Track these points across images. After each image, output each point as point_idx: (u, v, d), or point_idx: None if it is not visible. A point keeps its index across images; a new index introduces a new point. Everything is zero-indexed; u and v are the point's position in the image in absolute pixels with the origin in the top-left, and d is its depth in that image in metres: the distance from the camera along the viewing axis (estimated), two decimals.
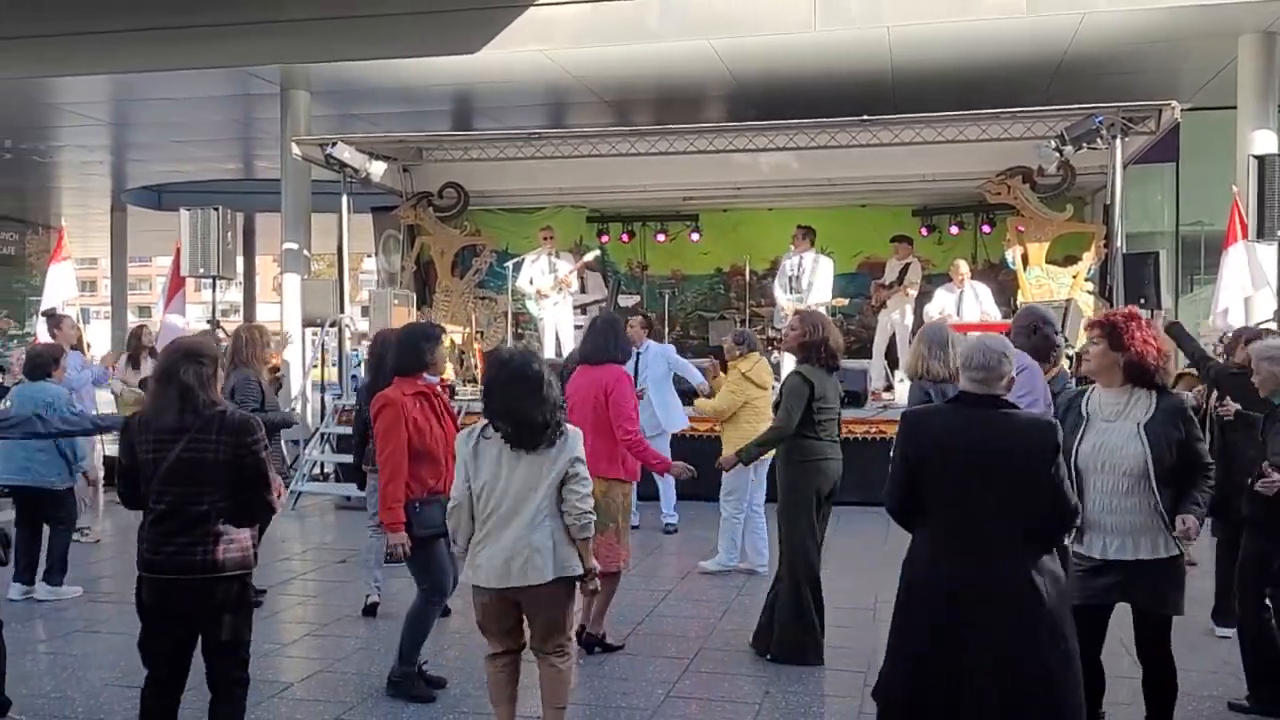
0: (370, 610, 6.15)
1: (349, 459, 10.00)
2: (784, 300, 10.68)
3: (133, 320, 22.73)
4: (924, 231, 13.16)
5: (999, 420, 3.33)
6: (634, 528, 6.89)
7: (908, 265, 11.55)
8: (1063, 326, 9.79)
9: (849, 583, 6.55)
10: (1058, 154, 9.94)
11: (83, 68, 11.60)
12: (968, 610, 3.22)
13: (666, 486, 8.49)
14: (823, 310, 10.49)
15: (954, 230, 13.12)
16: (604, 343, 5.49)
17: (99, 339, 20.44)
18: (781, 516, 5.42)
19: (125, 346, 10.84)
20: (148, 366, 10.34)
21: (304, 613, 6.49)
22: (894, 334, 11.40)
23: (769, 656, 5.34)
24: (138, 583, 3.67)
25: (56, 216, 22.31)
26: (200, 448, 3.57)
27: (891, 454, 3.57)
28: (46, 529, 6.61)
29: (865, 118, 10.22)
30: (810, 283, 10.56)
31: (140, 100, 13.11)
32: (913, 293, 11.31)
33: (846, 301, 11.59)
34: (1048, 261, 11.26)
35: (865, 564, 7.20)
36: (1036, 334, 5.09)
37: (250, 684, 3.78)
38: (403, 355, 4.90)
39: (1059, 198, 11.32)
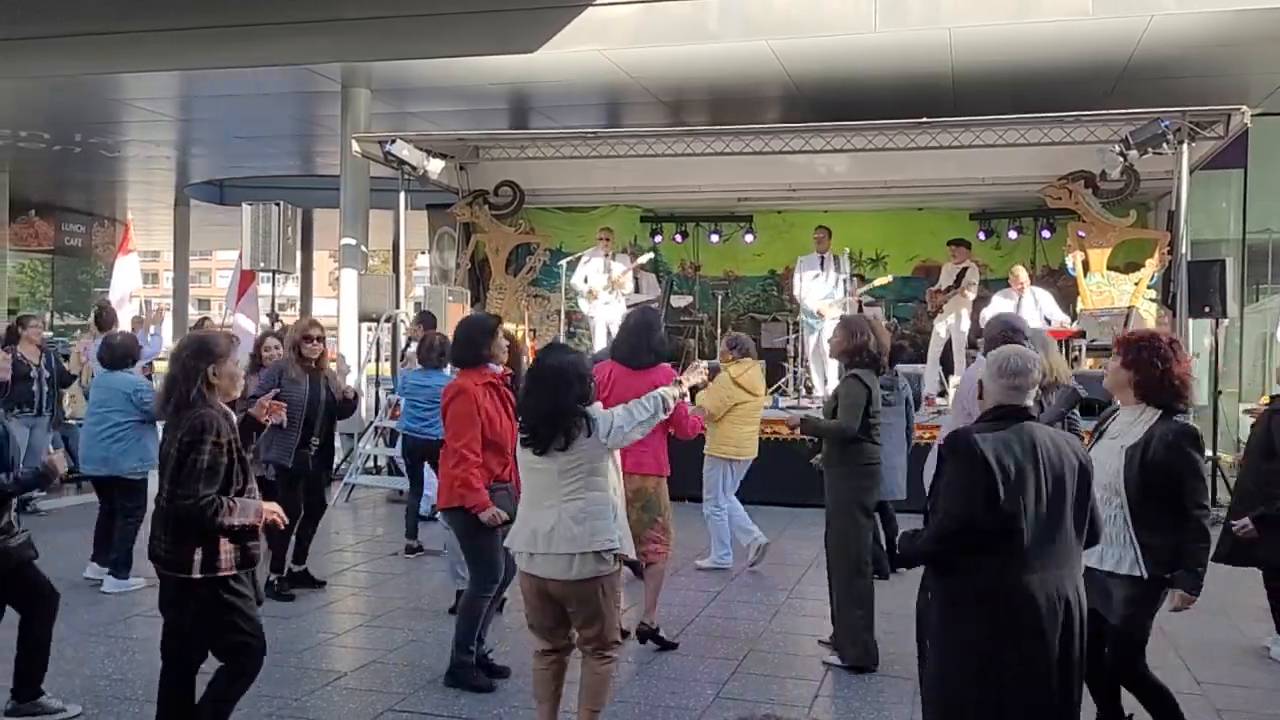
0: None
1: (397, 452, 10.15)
2: (815, 301, 10.79)
3: (193, 313, 23.18)
4: (982, 236, 12.99)
5: (1043, 432, 3.24)
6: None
7: (965, 269, 11.40)
8: None
9: (889, 587, 6.49)
10: (1122, 158, 9.75)
11: (150, 64, 11.86)
12: (1057, 626, 3.15)
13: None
14: (855, 297, 10.66)
15: (1013, 235, 12.94)
16: (640, 342, 5.41)
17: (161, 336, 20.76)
18: (837, 521, 5.36)
19: None
20: None
21: (356, 604, 6.57)
22: (949, 339, 11.28)
23: (841, 662, 5.29)
24: None
25: (122, 210, 22.85)
26: (169, 443, 3.64)
27: (935, 483, 3.42)
28: None
29: (924, 120, 10.12)
30: (834, 280, 10.76)
31: (204, 97, 13.37)
32: (970, 295, 11.16)
33: (889, 279, 11.58)
34: (1109, 268, 11.05)
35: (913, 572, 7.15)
36: (1007, 343, 5.06)
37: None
38: (461, 349, 4.96)
39: (1122, 203, 11.11)
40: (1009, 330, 5.10)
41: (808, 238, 12.94)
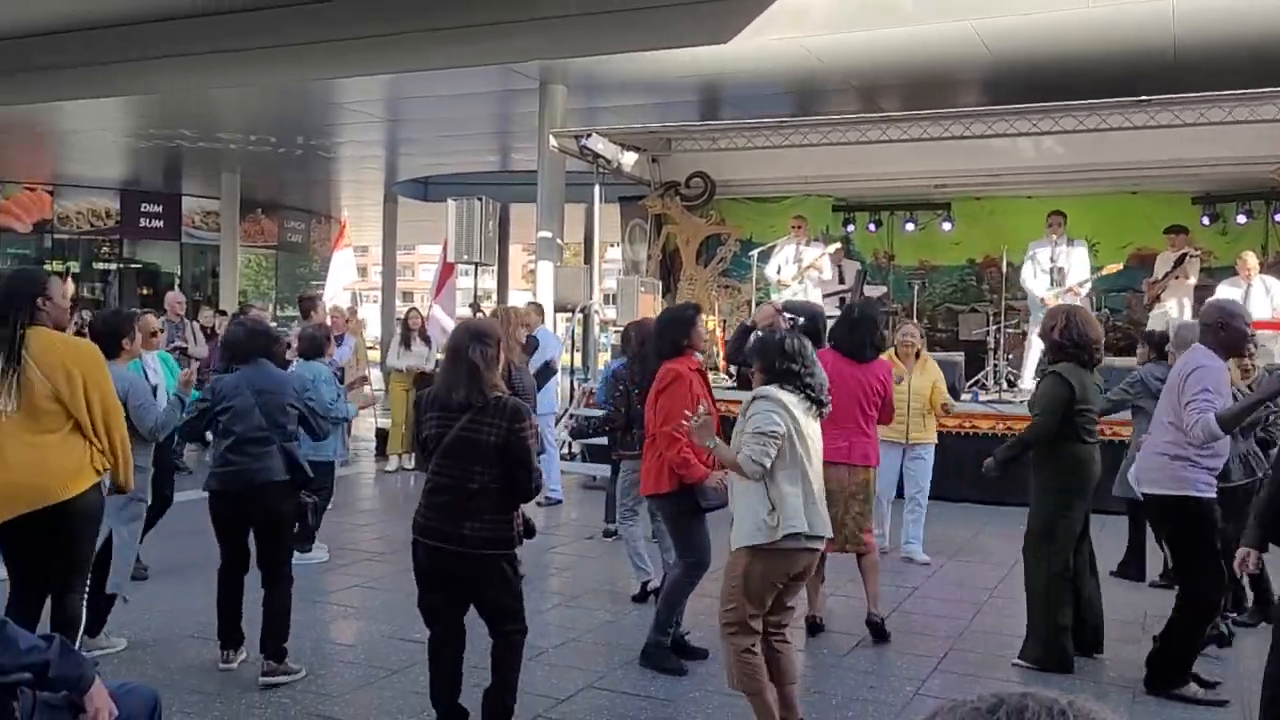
0: (645, 595, 6.10)
1: (598, 441, 10.40)
2: (1042, 291, 10.21)
3: (400, 305, 24.43)
4: (1205, 220, 12.07)
5: None
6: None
7: (1183, 255, 10.66)
8: None
9: (1118, 594, 6.17)
10: None
11: (363, 69, 12.58)
12: None
13: (551, 463, 9.30)
14: (1085, 294, 10.09)
15: (1241, 219, 11.95)
16: (866, 336, 5.59)
17: (369, 322, 22.09)
18: (1035, 521, 5.16)
19: (399, 329, 11.68)
20: (418, 347, 11.13)
21: (555, 584, 6.78)
22: (1167, 331, 10.54)
23: (1022, 661, 5.14)
24: (414, 545, 3.92)
25: (336, 207, 24.38)
26: (477, 428, 3.72)
27: None
28: None
29: (1142, 98, 9.50)
30: (1067, 269, 10.16)
31: (412, 98, 14.07)
32: (1191, 281, 10.42)
33: (1120, 266, 10.88)
34: None
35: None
36: (1225, 330, 4.68)
37: (528, 633, 4.01)
38: (665, 338, 5.01)
39: None
40: (1225, 315, 4.76)
41: (1010, 224, 12.43)
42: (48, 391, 3.83)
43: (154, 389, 5.61)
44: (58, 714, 2.42)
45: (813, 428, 3.95)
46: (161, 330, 6.61)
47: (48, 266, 19.90)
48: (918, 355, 7.38)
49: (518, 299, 26.57)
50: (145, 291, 22.52)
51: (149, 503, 5.18)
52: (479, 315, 10.74)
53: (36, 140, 17.39)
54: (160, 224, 22.66)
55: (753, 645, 3.93)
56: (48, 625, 3.94)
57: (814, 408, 3.94)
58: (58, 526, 3.88)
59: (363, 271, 45.90)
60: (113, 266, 22.96)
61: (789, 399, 3.88)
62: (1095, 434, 5.15)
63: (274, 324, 14.02)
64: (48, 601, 4.05)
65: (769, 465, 3.80)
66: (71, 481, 3.88)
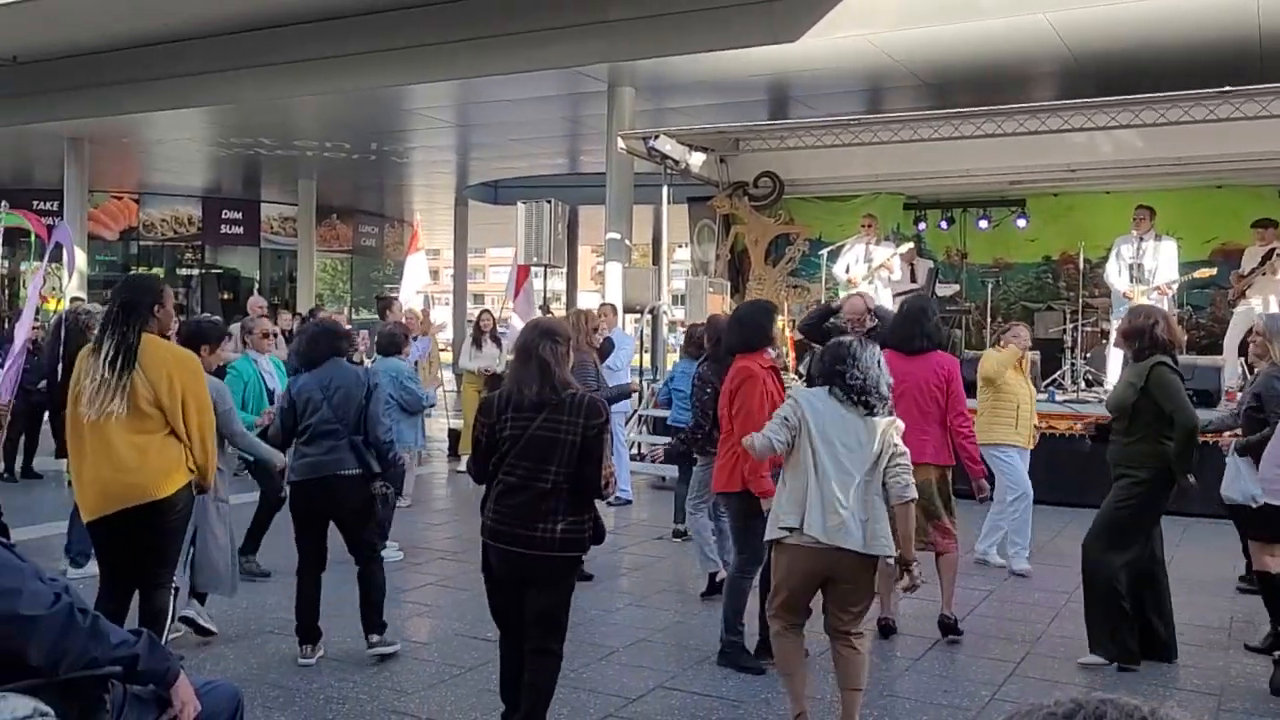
0: (713, 589, 6.07)
1: (665, 440, 10.41)
2: (1125, 287, 9.95)
3: (471, 307, 24.75)
4: None
5: None
6: None
7: (1271, 250, 10.30)
8: None
9: (1201, 600, 6.01)
10: None
11: (434, 75, 12.77)
12: None
13: (621, 464, 9.13)
14: (1173, 293, 9.80)
15: None
16: (914, 328, 5.44)
17: (443, 326, 22.37)
18: (1112, 518, 5.08)
19: (470, 330, 11.85)
20: (490, 348, 11.27)
21: (625, 584, 6.81)
22: (1253, 327, 10.19)
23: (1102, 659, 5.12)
24: (483, 548, 3.88)
25: (409, 212, 24.78)
26: (553, 426, 3.65)
27: None
28: None
29: (1227, 88, 9.21)
30: (1154, 266, 9.81)
31: (482, 103, 14.23)
32: None
33: (1214, 271, 10.54)
34: None
35: (1216, 582, 6.62)
36: None
37: (563, 659, 3.86)
38: (746, 332, 4.99)
39: None
40: None
41: (1087, 221, 12.15)
42: (149, 396, 4.05)
43: (271, 393, 5.82)
44: (145, 707, 2.50)
45: (852, 428, 3.86)
46: (273, 334, 6.86)
47: (133, 273, 20.58)
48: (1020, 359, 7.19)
49: (587, 300, 26.76)
50: (226, 296, 23.14)
51: (229, 504, 5.34)
52: (548, 315, 10.84)
53: (124, 151, 17.98)
54: (240, 230, 23.26)
55: (782, 629, 4.05)
56: (135, 620, 4.08)
57: (856, 407, 3.87)
58: (152, 522, 4.09)
59: (434, 274, 46.71)
60: (195, 272, 23.64)
61: (813, 398, 3.91)
62: None
63: (348, 324, 14.30)
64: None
65: (774, 441, 3.88)
66: (167, 480, 4.10)
